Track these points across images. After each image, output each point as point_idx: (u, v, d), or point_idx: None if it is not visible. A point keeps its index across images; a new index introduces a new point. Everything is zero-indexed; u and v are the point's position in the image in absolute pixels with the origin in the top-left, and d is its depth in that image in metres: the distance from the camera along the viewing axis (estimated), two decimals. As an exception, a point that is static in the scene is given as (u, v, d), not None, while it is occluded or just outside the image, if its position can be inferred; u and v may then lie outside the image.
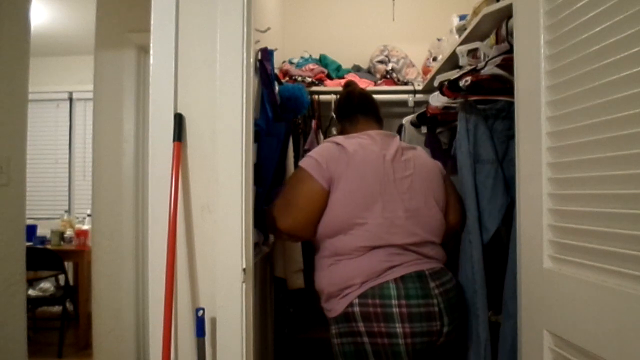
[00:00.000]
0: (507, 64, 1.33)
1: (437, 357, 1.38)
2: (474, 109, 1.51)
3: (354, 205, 1.35)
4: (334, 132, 2.71)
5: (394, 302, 1.28)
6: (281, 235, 1.58)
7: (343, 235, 1.36)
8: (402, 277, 1.31)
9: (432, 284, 1.33)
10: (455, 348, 1.45)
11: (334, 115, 1.72)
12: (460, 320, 1.40)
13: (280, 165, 1.82)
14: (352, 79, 2.75)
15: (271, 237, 1.85)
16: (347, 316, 1.32)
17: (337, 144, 1.43)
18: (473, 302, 1.44)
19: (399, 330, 1.27)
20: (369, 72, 2.86)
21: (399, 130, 2.68)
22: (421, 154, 1.54)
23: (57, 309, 3.49)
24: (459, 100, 1.55)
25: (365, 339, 1.29)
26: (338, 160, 1.38)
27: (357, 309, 1.30)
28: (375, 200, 1.36)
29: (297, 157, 2.51)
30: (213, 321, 1.28)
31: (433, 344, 1.33)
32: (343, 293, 1.33)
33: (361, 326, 1.29)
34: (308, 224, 1.39)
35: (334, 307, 1.36)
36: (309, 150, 2.57)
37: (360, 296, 1.30)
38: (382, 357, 1.29)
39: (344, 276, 1.34)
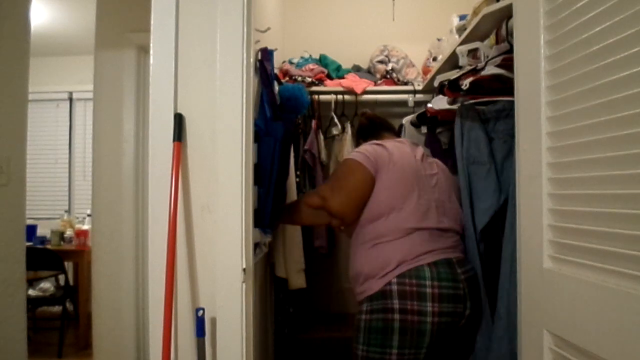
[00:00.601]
0: (507, 64, 1.33)
1: (455, 339, 1.53)
2: (470, 113, 1.54)
3: (396, 192, 1.54)
4: (334, 132, 2.72)
5: (428, 282, 1.43)
6: (316, 219, 1.67)
7: (384, 219, 1.52)
8: (435, 262, 1.47)
9: (459, 270, 1.49)
10: (471, 333, 1.54)
11: (359, 139, 1.97)
12: (478, 307, 1.51)
13: (283, 165, 1.82)
14: (352, 79, 2.75)
15: (269, 237, 1.85)
16: (384, 294, 1.45)
17: (378, 144, 1.64)
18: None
19: (429, 308, 1.42)
20: (369, 72, 2.86)
21: (399, 130, 2.68)
22: (439, 161, 1.77)
23: (57, 309, 3.49)
24: (458, 104, 1.58)
25: (397, 316, 1.43)
26: (382, 155, 1.58)
27: (395, 287, 1.44)
28: (413, 189, 1.55)
29: (297, 157, 2.52)
30: (213, 321, 1.28)
31: (455, 325, 1.47)
32: (382, 272, 1.47)
33: (396, 303, 1.43)
34: (357, 206, 1.56)
35: (372, 286, 1.49)
36: (309, 150, 2.58)
37: (398, 276, 1.45)
38: (407, 334, 1.42)
39: (384, 257, 1.49)
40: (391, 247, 1.50)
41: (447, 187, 1.64)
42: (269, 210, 1.68)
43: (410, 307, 1.42)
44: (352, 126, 2.73)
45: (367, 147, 1.62)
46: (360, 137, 1.93)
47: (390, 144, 1.65)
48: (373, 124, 1.90)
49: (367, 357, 1.46)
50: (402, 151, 1.62)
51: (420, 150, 1.71)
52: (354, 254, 1.61)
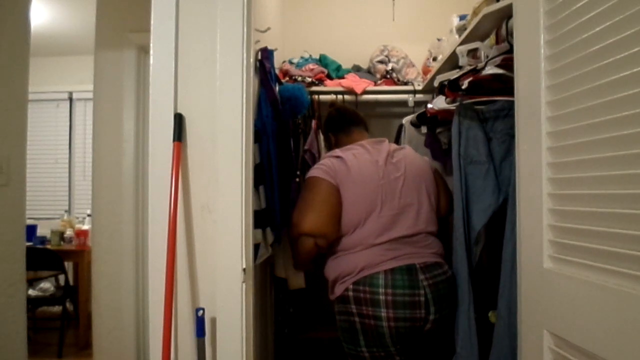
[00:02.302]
0: (507, 64, 1.32)
1: (425, 341, 1.59)
2: (468, 112, 1.53)
3: (358, 208, 1.56)
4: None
5: (381, 290, 1.48)
6: (304, 248, 1.61)
7: (349, 235, 1.58)
8: (392, 270, 1.51)
9: (421, 277, 1.52)
10: (444, 335, 1.58)
11: (327, 132, 1.92)
12: (451, 310, 1.56)
13: (283, 165, 1.82)
14: (352, 79, 2.75)
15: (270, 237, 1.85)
16: (343, 298, 1.55)
17: (337, 156, 1.64)
18: (458, 295, 1.55)
19: (383, 314, 1.47)
20: (369, 72, 2.86)
21: (399, 130, 2.68)
22: (409, 153, 1.74)
23: (57, 309, 3.49)
24: (457, 103, 1.57)
25: (357, 319, 1.51)
26: (340, 170, 1.59)
27: (351, 293, 1.52)
28: (375, 204, 1.57)
29: (297, 157, 2.51)
30: (213, 321, 1.28)
31: (418, 329, 1.52)
32: (342, 280, 1.56)
33: (353, 308, 1.52)
34: (330, 219, 1.55)
35: (335, 291, 1.59)
36: (309, 150, 2.58)
37: (354, 283, 1.52)
38: (369, 335, 1.50)
39: (347, 265, 1.55)
40: (354, 257, 1.55)
41: (415, 186, 1.63)
42: (278, 208, 1.70)
43: (366, 312, 1.49)
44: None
45: (326, 162, 1.63)
46: (328, 131, 1.90)
47: (350, 155, 1.63)
48: (342, 117, 1.86)
49: (349, 353, 1.58)
50: (361, 162, 1.61)
51: (385, 149, 1.68)
52: (325, 262, 1.67)
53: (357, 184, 1.56)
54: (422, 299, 1.49)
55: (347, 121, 1.83)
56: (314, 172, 1.62)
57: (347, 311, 1.53)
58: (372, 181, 1.58)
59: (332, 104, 2.10)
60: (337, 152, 1.67)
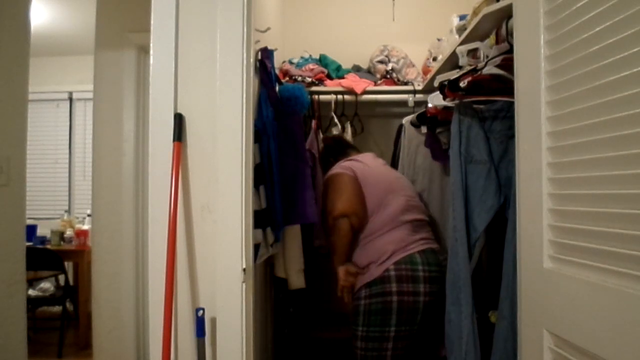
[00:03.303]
0: (507, 64, 1.32)
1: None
2: (469, 110, 1.52)
3: (380, 190, 1.83)
4: (334, 132, 2.71)
5: (420, 267, 1.69)
6: (340, 231, 1.80)
7: (376, 215, 1.79)
8: (424, 250, 1.75)
9: (440, 257, 1.76)
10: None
11: (327, 158, 2.20)
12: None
13: (285, 165, 1.82)
14: (352, 79, 2.75)
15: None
16: (382, 279, 1.69)
17: (350, 159, 1.96)
18: (458, 297, 1.49)
19: (422, 289, 1.67)
20: (369, 72, 2.86)
21: (399, 130, 2.68)
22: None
23: (57, 309, 3.49)
24: (456, 101, 1.56)
25: (394, 298, 1.66)
26: (356, 165, 1.89)
27: (393, 273, 1.68)
28: (392, 187, 1.86)
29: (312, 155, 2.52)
30: (213, 321, 1.28)
31: (437, 304, 1.68)
32: (379, 261, 1.71)
33: (394, 286, 1.67)
34: (358, 199, 1.79)
35: (372, 273, 1.72)
36: (309, 150, 2.58)
37: (395, 263, 1.69)
38: (404, 313, 1.66)
39: (377, 249, 1.75)
40: (385, 238, 1.75)
41: (409, 186, 1.99)
42: (279, 208, 1.70)
43: (407, 289, 1.67)
44: (352, 126, 2.73)
45: (341, 164, 1.92)
46: (329, 157, 2.18)
47: (360, 156, 2.00)
48: (339, 143, 2.23)
49: (367, 336, 1.68)
50: (372, 160, 1.98)
51: (380, 159, 2.07)
52: (353, 254, 1.84)
53: (373, 173, 1.87)
54: (442, 276, 1.63)
55: (343, 146, 2.19)
56: (332, 172, 1.90)
57: (384, 291, 1.67)
58: (386, 171, 1.96)
59: (325, 138, 2.41)
60: (348, 158, 1.99)
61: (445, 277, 1.56)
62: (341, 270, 1.82)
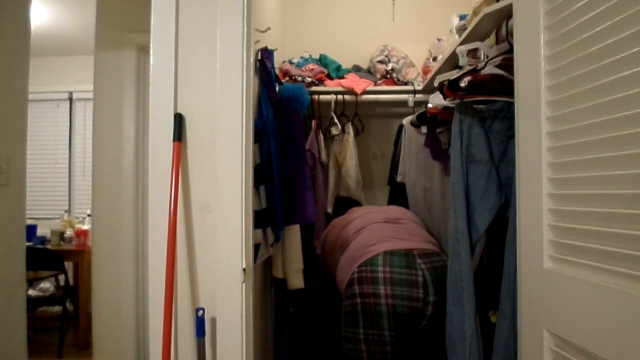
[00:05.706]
0: (507, 64, 1.32)
1: (423, 338, 1.69)
2: (469, 110, 1.52)
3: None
4: (334, 132, 2.72)
5: (380, 269, 1.64)
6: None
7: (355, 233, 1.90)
8: (392, 252, 1.68)
9: (419, 261, 1.67)
10: (441, 330, 1.57)
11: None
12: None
13: (285, 165, 1.82)
14: (352, 79, 2.75)
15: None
16: (350, 282, 1.70)
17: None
18: (460, 298, 1.47)
19: (382, 291, 1.61)
20: (369, 72, 2.86)
21: (399, 130, 2.68)
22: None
23: (57, 309, 3.49)
24: (456, 101, 1.56)
25: (358, 300, 1.64)
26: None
27: (355, 275, 1.69)
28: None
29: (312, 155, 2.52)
30: (213, 321, 1.28)
31: (419, 314, 1.62)
32: (350, 268, 1.74)
33: (356, 288, 1.66)
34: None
35: (346, 279, 1.75)
36: (309, 150, 2.58)
37: (358, 266, 1.70)
38: (367, 315, 1.62)
39: (350, 254, 1.79)
40: (357, 241, 1.82)
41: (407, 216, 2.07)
42: (280, 208, 1.70)
43: (367, 290, 1.64)
44: (352, 126, 2.73)
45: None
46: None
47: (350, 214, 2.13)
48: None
49: (345, 337, 1.70)
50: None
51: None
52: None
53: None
54: (420, 279, 1.61)
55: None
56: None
57: (352, 294, 1.67)
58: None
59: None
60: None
61: (432, 280, 1.60)
62: None
